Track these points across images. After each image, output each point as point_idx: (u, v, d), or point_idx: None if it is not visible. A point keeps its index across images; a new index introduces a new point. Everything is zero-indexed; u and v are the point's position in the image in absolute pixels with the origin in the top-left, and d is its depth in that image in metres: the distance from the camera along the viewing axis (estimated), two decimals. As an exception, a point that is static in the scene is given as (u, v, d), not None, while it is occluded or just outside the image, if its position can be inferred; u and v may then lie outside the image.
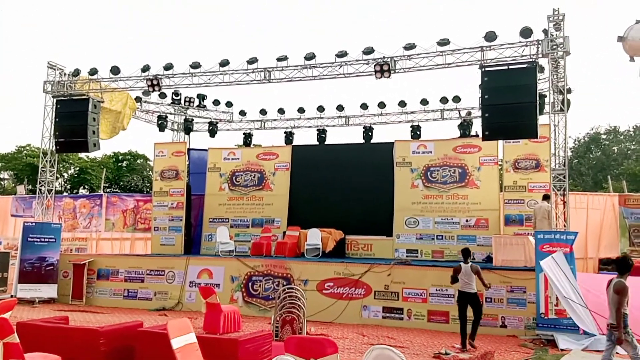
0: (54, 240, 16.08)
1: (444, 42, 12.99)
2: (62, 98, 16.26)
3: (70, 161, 48.44)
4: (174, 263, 15.59)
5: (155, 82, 15.32)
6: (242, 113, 20.87)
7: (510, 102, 11.91)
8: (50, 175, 16.64)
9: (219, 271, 15.02)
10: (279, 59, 14.61)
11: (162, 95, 19.91)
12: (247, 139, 20.81)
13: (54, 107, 16.28)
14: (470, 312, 10.51)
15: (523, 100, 11.90)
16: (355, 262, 14.49)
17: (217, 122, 20.93)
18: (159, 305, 15.08)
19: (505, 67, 12.39)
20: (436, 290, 12.97)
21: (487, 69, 12.48)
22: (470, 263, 10.53)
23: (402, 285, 13.28)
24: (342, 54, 14.00)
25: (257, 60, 14.81)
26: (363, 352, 9.49)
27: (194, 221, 20.14)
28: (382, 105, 18.89)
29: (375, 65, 13.39)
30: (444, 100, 18.13)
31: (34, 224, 16.26)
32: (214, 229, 18.77)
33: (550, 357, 9.79)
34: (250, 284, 14.64)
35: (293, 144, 19.98)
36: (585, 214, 17.19)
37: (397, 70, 13.48)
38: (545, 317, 11.32)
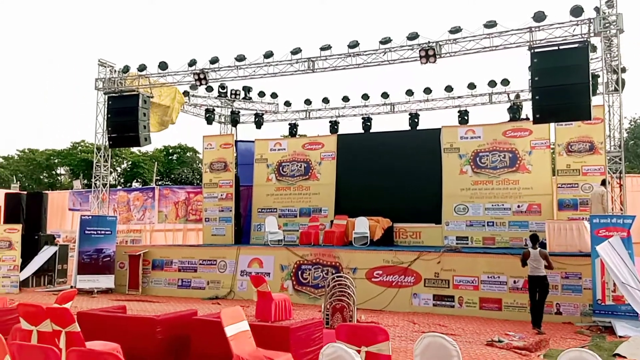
0: (110, 232, 16.62)
1: (490, 24, 12.69)
2: (113, 95, 16.74)
3: (123, 156, 49.90)
4: (225, 253, 15.88)
5: (202, 75, 15.56)
6: (287, 104, 20.99)
7: (562, 84, 11.56)
8: (105, 170, 17.18)
9: (269, 260, 15.21)
10: (322, 48, 14.60)
11: (209, 89, 20.21)
12: (293, 129, 20.93)
13: (106, 103, 16.76)
14: None
15: (575, 81, 11.54)
16: (404, 250, 14.41)
17: (262, 114, 21.11)
18: (211, 294, 15.41)
19: (556, 48, 12.01)
20: (488, 277, 12.76)
21: (536, 50, 12.13)
22: (539, 248, 10.67)
23: (453, 272, 13.13)
24: (386, 41, 13.87)
25: (300, 50, 14.85)
26: (414, 340, 9.48)
27: (243, 211, 20.44)
28: (428, 91, 18.65)
29: (420, 51, 13.21)
30: (492, 83, 17.76)
31: (90, 217, 16.83)
32: (263, 219, 19.03)
33: (608, 344, 9.50)
34: (299, 272, 14.78)
35: (338, 133, 19.99)
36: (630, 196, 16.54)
37: (442, 55, 13.26)
38: (602, 304, 11.00)
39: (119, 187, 36.32)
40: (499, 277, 12.66)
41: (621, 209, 11.62)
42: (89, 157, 46.63)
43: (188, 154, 53.18)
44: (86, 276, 16.08)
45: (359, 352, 5.01)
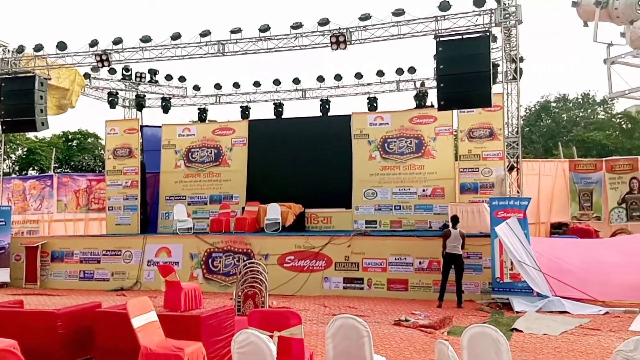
0: (3, 223, 15.55)
1: (399, 12, 12.96)
2: (7, 76, 15.56)
3: (18, 142, 46.83)
4: (130, 242, 15.32)
5: (104, 57, 14.80)
6: (196, 88, 20.46)
7: (465, 72, 12.02)
8: (-4, 157, 16.00)
9: (178, 249, 14.85)
10: (232, 32, 14.31)
11: (112, 71, 19.27)
12: (202, 114, 20.45)
13: (-2, 85, 15.57)
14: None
15: (477, 69, 12.03)
16: (316, 235, 14.55)
17: (170, 98, 20.46)
18: (116, 285, 14.84)
19: (459, 37, 12.47)
20: (395, 259, 13.16)
21: (441, 39, 12.53)
22: (459, 229, 11.41)
23: (362, 255, 13.43)
24: (297, 26, 13.80)
25: (210, 32, 14.47)
26: (326, 323, 9.59)
27: (150, 199, 19.78)
28: (338, 77, 18.83)
29: (331, 37, 13.27)
30: (399, 71, 18.20)
31: (-19, 207, 15.67)
32: (171, 206, 18.51)
33: (506, 320, 10.08)
34: (210, 260, 14.54)
35: (249, 119, 19.74)
36: (537, 180, 17.66)
37: (352, 42, 13.39)
38: (501, 282, 11.66)
39: (13, 175, 34.01)
40: (405, 258, 13.09)
41: (518, 192, 12.29)
42: (-27, 143, 43.42)
43: (89, 140, 50.66)
44: (-23, 270, 14.98)
45: (271, 337, 4.98)
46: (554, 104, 46.69)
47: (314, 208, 17.80)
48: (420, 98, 18.21)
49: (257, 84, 19.65)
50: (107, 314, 6.95)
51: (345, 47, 13.29)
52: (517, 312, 10.62)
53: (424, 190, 17.12)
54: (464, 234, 11.59)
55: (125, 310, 7.09)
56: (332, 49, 13.38)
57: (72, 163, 47.04)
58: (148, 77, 20.04)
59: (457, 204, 14.95)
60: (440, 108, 12.93)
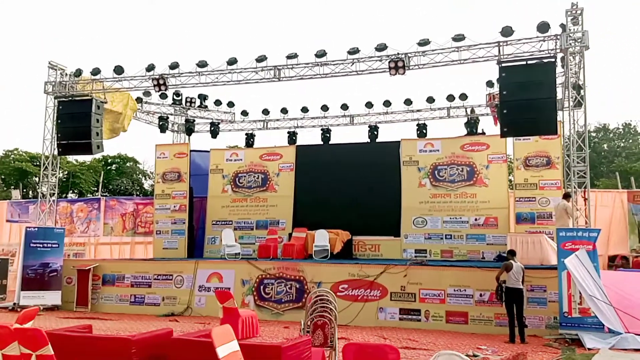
0: (57, 245, 15.66)
1: (459, 38, 12.81)
2: (64, 99, 15.84)
3: (59, 165, 47.71)
4: (182, 267, 15.24)
5: (161, 81, 14.97)
6: (244, 113, 20.57)
7: (529, 98, 11.74)
8: (53, 179, 16.19)
9: (229, 275, 14.70)
10: (289, 57, 14.33)
11: (163, 96, 19.52)
12: (250, 139, 20.47)
13: (56, 108, 15.84)
14: None
15: (542, 96, 11.75)
16: (370, 263, 14.25)
17: (218, 123, 20.59)
18: (167, 310, 14.73)
19: (524, 63, 12.22)
20: (454, 290, 12.77)
21: (504, 64, 12.30)
22: (518, 262, 11.00)
23: (419, 286, 13.07)
24: (354, 51, 13.75)
25: (266, 58, 14.52)
26: (407, 357, 9.31)
27: (196, 224, 19.81)
28: (387, 103, 18.71)
29: (389, 62, 13.17)
30: (450, 97, 17.98)
31: (36, 229, 15.82)
32: (218, 231, 18.52)
33: (580, 357, 9.60)
34: (261, 287, 14.34)
35: (297, 144, 19.69)
36: (594, 211, 17.08)
37: (411, 67, 13.27)
38: (569, 316, 11.15)
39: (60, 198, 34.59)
40: (465, 290, 12.68)
41: (586, 222, 11.85)
42: (22, 166, 44.31)
43: (128, 164, 51.46)
44: (31, 292, 15.09)
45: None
46: (593, 134, 45.82)
47: (362, 235, 17.52)
48: (472, 125, 17.93)
49: (304, 109, 19.65)
50: (182, 342, 6.79)
51: (404, 72, 13.17)
52: (589, 349, 10.10)
53: (476, 220, 16.73)
54: (523, 268, 11.20)
55: (200, 338, 6.96)
56: (391, 74, 13.27)
57: (111, 187, 47.76)
58: (198, 102, 20.21)
59: (516, 234, 14.50)
60: (502, 135, 12.67)
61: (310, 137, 21.74)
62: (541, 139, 15.35)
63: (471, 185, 16.96)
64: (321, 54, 14.08)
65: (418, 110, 18.52)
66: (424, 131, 18.32)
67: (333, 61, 14.07)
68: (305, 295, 13.93)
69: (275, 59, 14.53)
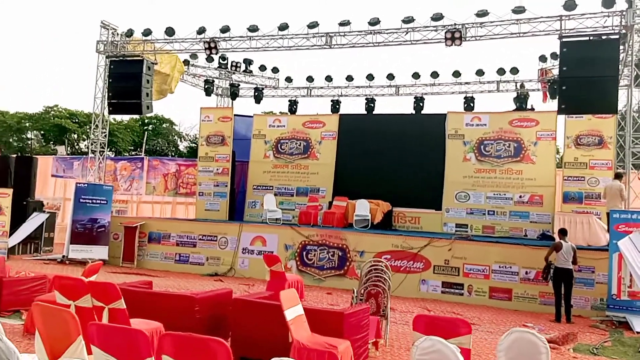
0: (105, 202, 16.03)
1: (519, 10, 12.49)
2: (115, 59, 16.00)
3: (96, 123, 48.52)
4: (226, 229, 15.49)
5: (212, 44, 14.99)
6: (288, 79, 20.54)
7: (591, 76, 11.43)
8: (103, 137, 16.48)
9: (273, 239, 14.89)
10: (341, 24, 14.19)
11: (210, 60, 19.54)
12: (293, 106, 20.48)
13: (107, 67, 16.03)
14: None
15: (604, 73, 11.44)
16: (414, 235, 14.26)
17: (262, 88, 20.58)
18: (211, 270, 15.05)
19: (587, 38, 11.88)
20: (499, 267, 12.71)
21: (566, 39, 11.97)
22: (569, 242, 10.82)
23: (463, 260, 13.05)
24: (408, 20, 13.54)
25: (318, 24, 14.40)
26: None
27: (237, 187, 19.99)
28: (434, 75, 18.44)
29: (446, 33, 12.95)
30: (500, 71, 17.63)
31: (86, 185, 16.19)
32: (258, 196, 18.70)
33: (630, 340, 9.52)
34: (304, 252, 14.51)
35: (340, 113, 19.60)
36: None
37: (468, 39, 13.02)
38: (617, 299, 11.04)
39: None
40: (510, 267, 12.62)
41: (642, 205, 11.63)
42: (62, 123, 45.09)
43: (164, 125, 51.99)
44: (79, 246, 15.51)
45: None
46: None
47: (402, 207, 17.46)
48: (521, 100, 17.60)
49: (349, 78, 19.52)
50: (244, 302, 6.94)
51: (460, 44, 12.94)
52: (638, 333, 10.02)
53: (520, 197, 16.49)
54: (575, 248, 11.01)
55: (260, 299, 7.11)
56: (447, 44, 13.05)
57: (147, 147, 48.37)
58: (243, 67, 20.21)
59: (565, 213, 14.33)
60: (560, 112, 12.44)
61: (354, 106, 21.66)
62: (594, 117, 14.97)
63: (517, 162, 16.67)
64: (374, 22, 13.89)
65: (466, 83, 18.25)
66: (472, 104, 18.07)
67: (386, 30, 13.89)
68: (348, 264, 14.08)
69: (327, 25, 14.42)
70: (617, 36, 11.68)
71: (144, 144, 30.24)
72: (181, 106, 51.84)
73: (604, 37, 11.77)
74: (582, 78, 11.52)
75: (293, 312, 5.88)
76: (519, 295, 12.42)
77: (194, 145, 51.57)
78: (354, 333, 6.49)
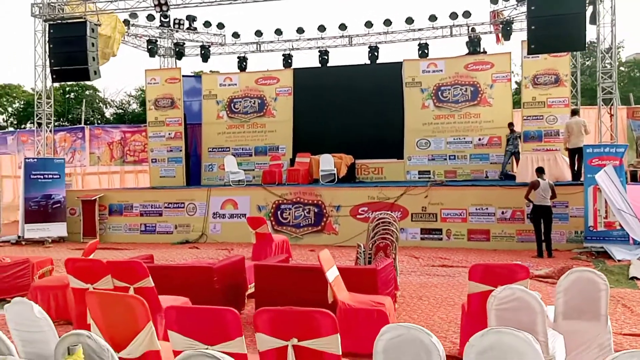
0: (58, 176, 15.07)
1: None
2: (54, 22, 14.74)
3: (14, 94, 45.69)
4: (193, 195, 14.97)
5: (162, 1, 14.03)
6: (235, 35, 19.67)
7: (558, 14, 11.55)
8: (48, 108, 15.30)
9: (244, 201, 14.52)
10: (299, -27, 13.59)
11: (150, 18, 18.38)
12: (242, 63, 19.72)
13: (46, 32, 14.76)
14: None
15: (571, 10, 11.57)
16: (390, 185, 14.27)
17: (209, 46, 19.68)
18: (181, 238, 14.57)
19: (552, -23, 11.92)
20: (476, 209, 12.96)
21: (532, -21, 11.98)
22: (547, 180, 10.88)
23: (440, 206, 13.22)
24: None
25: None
26: (438, 275, 9.46)
27: (189, 151, 19.30)
28: (387, 22, 18.15)
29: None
30: (453, 15, 17.55)
31: (35, 160, 15.11)
32: (215, 158, 18.25)
33: (615, 268, 9.96)
34: (279, 212, 14.26)
35: (294, 67, 19.09)
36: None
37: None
38: (594, 230, 11.51)
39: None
40: (487, 208, 12.89)
41: (612, 138, 12.05)
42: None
43: (87, 92, 49.30)
44: (35, 225, 14.59)
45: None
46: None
47: (364, 159, 17.44)
48: (474, 44, 17.68)
49: (300, 30, 18.94)
50: (269, 268, 6.67)
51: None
52: (619, 260, 10.51)
53: (479, 139, 16.81)
54: (552, 185, 11.31)
55: (283, 264, 6.87)
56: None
57: (71, 116, 45.92)
58: (186, 24, 19.19)
59: (530, 152, 14.64)
60: (530, 52, 12.53)
61: (307, 59, 21.10)
62: (550, 56, 15.23)
63: (475, 105, 16.92)
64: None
65: (420, 30, 18.09)
66: (426, 51, 17.99)
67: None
68: (324, 219, 13.96)
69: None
70: (581, -27, 11.80)
71: (82, 113, 28.46)
72: (123, 69, 49.09)
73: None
74: (550, 17, 11.63)
75: (332, 273, 5.68)
76: (496, 235, 12.76)
77: (120, 111, 49.41)
78: (385, 288, 6.39)
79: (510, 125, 15.52)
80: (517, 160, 15.20)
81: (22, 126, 44.47)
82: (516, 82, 26.07)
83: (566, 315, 4.85)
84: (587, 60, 34.64)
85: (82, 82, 48.61)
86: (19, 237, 14.60)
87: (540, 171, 11.45)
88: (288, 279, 6.49)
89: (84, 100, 39.16)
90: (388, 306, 5.51)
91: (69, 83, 48.28)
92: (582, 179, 12.23)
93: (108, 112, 49.60)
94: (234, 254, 11.84)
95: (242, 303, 6.89)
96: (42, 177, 14.75)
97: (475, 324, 5.15)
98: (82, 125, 23.96)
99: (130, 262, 5.77)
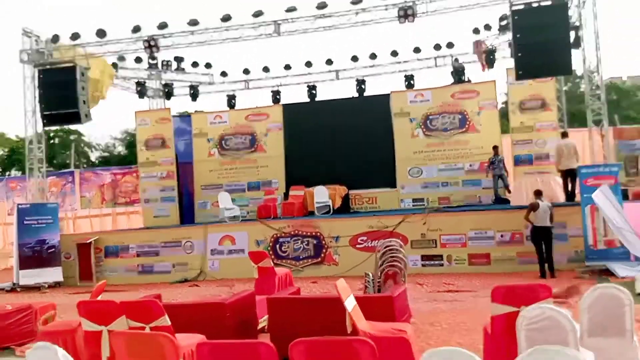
0: (51, 221, 14.90)
1: (468, -18, 12.72)
2: (44, 68, 14.78)
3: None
4: (190, 233, 14.87)
5: (152, 42, 14.16)
6: (224, 74, 19.88)
7: (543, 41, 11.85)
8: (40, 153, 15.23)
9: (242, 236, 14.44)
10: (288, 10, 13.84)
11: (138, 60, 18.54)
12: (231, 100, 19.92)
13: (36, 77, 14.78)
14: None
15: (555, 37, 11.89)
16: (388, 214, 14.31)
17: (197, 85, 19.84)
18: (179, 277, 14.41)
19: (536, 5, 12.28)
20: (475, 233, 13.01)
21: (516, 7, 12.33)
22: (545, 201, 11.11)
23: (439, 232, 13.25)
24: (357, 1, 13.42)
25: (263, 13, 13.97)
26: (446, 301, 9.41)
27: (181, 189, 19.24)
28: (373, 56, 18.50)
29: (399, 10, 12.95)
30: (437, 47, 17.95)
31: (28, 205, 14.96)
32: (208, 195, 18.22)
33: (621, 285, 9.97)
34: (277, 245, 14.19)
35: (283, 103, 19.29)
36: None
37: (419, 15, 13.11)
38: (595, 249, 11.59)
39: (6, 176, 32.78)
40: (485, 232, 12.95)
41: (605, 158, 12.25)
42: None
43: (72, 137, 49.17)
44: (30, 271, 14.36)
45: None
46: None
47: (358, 189, 17.53)
48: (459, 74, 18.04)
49: (287, 67, 19.21)
50: (283, 301, 6.62)
51: (413, 20, 13.01)
52: (624, 278, 10.55)
53: (470, 165, 17.00)
54: (551, 206, 11.39)
55: (297, 296, 6.81)
56: (400, 22, 13.09)
57: (56, 162, 45.70)
58: (174, 65, 19.37)
59: (526, 175, 14.82)
60: (518, 78, 12.80)
61: (295, 95, 21.29)
62: (535, 82, 15.54)
63: (464, 133, 17.15)
64: (322, 5, 13.68)
65: (405, 62, 18.43)
66: (412, 82, 18.36)
67: (336, 12, 13.71)
68: (324, 251, 13.92)
69: (273, 13, 14.02)
70: (564, 0, 12.16)
71: (72, 158, 28.30)
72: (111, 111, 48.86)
73: (551, 3, 12.21)
74: (535, 44, 11.92)
75: (350, 302, 5.65)
76: (497, 259, 12.78)
77: (106, 154, 49.31)
78: (401, 315, 6.37)
79: (495, 148, 15.68)
80: (504, 183, 15.40)
81: (7, 173, 44.08)
82: (503, 105, 26.53)
83: (591, 332, 4.84)
84: (565, 86, 35.45)
85: (66, 127, 48.70)
86: (13, 284, 14.33)
87: (538, 193, 11.56)
88: (303, 311, 6.44)
89: (73, 145, 38.87)
90: (410, 333, 5.48)
91: (52, 129, 48.30)
92: (576, 199, 12.39)
93: (93, 156, 49.53)
94: (236, 289, 11.78)
95: (254, 338, 6.80)
96: (35, 222, 14.59)
97: (500, 347, 5.14)
98: (72, 169, 23.76)
99: (144, 301, 5.70)
